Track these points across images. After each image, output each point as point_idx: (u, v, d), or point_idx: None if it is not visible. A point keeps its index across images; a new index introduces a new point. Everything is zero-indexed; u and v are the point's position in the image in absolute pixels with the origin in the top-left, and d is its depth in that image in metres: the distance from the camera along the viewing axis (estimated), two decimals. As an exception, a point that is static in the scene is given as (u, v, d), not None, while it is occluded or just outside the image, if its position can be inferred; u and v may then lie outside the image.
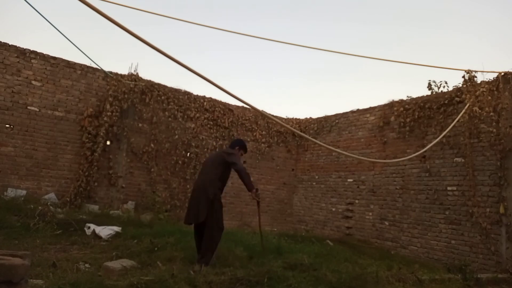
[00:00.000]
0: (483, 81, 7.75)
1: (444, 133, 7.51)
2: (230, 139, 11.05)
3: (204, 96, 10.81)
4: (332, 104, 30.28)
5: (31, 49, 8.30)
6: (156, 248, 5.25)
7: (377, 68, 36.71)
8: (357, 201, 10.15)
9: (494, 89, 7.46)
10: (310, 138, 6.15)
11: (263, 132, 11.72)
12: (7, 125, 7.92)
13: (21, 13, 28.16)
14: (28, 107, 8.18)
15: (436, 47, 27.00)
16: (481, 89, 7.57)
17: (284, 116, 12.35)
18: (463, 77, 8.01)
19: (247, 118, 11.43)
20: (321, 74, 30.42)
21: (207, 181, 4.77)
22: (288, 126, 5.90)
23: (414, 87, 28.44)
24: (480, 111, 7.45)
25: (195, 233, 4.87)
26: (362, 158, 9.49)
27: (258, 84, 30.32)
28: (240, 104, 9.54)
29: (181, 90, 10.37)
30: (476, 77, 7.90)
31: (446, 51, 26.79)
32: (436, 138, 7.67)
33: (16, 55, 8.09)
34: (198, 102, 10.56)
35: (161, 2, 27.85)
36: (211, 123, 10.74)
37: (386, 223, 9.24)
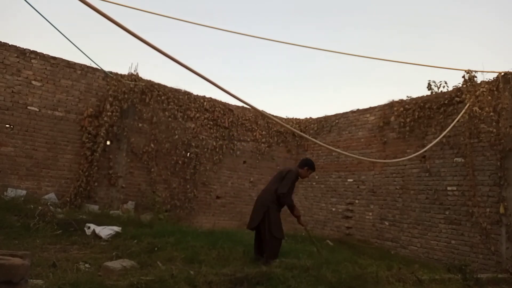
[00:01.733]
0: (483, 81, 7.74)
1: (444, 133, 7.50)
2: (230, 139, 11.06)
3: (204, 96, 10.80)
4: (332, 104, 30.29)
5: (31, 49, 8.30)
6: (156, 248, 5.25)
7: (378, 69, 36.70)
8: (357, 201, 10.14)
9: (494, 89, 7.45)
10: (310, 138, 6.14)
11: (263, 132, 11.71)
12: (7, 125, 7.92)
13: (20, 13, 28.17)
14: (28, 107, 8.17)
15: (436, 49, 27.00)
16: (481, 89, 7.56)
17: (284, 116, 12.35)
18: (463, 77, 8.00)
19: (247, 118, 11.42)
20: (322, 74, 30.43)
21: (266, 193, 5.27)
22: (288, 126, 5.89)
23: (414, 89, 28.44)
24: (480, 111, 7.44)
25: (255, 237, 5.30)
26: (362, 158, 9.48)
27: (258, 84, 30.33)
28: (240, 104, 9.55)
29: (181, 90, 10.36)
30: (476, 77, 7.89)
31: (446, 54, 26.80)
32: (436, 138, 7.66)
33: (16, 55, 8.08)
34: (198, 102, 10.56)
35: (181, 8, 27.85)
36: (211, 123, 10.74)
37: (386, 223, 9.24)
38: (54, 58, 8.57)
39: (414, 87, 27.62)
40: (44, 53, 8.46)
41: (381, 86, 28.09)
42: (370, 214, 9.69)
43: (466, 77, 7.95)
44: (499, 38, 27.73)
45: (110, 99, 8.96)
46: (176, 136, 10.01)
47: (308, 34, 29.53)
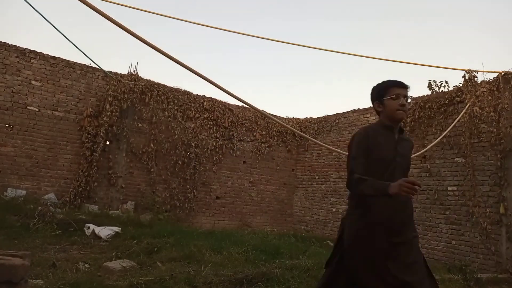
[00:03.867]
0: (484, 81, 7.74)
1: (444, 133, 7.50)
2: (230, 139, 11.03)
3: (204, 96, 10.79)
4: (332, 104, 30.30)
5: (31, 49, 8.29)
6: (155, 248, 5.25)
7: (378, 67, 36.72)
8: (357, 201, 10.11)
9: (495, 89, 7.45)
10: (310, 138, 6.15)
11: (263, 132, 11.70)
12: (7, 125, 7.91)
13: (19, 12, 28.15)
14: (28, 107, 8.16)
15: (436, 49, 27.01)
16: (482, 89, 7.56)
17: (284, 116, 12.33)
18: (464, 77, 7.99)
19: (247, 118, 11.41)
20: (322, 73, 30.44)
21: None
22: (288, 126, 5.90)
23: (415, 87, 28.38)
24: (480, 111, 7.44)
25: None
26: (362, 158, 9.45)
27: (258, 84, 30.33)
28: (240, 104, 9.52)
29: (181, 90, 10.34)
30: (476, 77, 7.88)
31: (447, 53, 26.80)
32: (437, 138, 7.65)
33: (16, 55, 8.08)
34: (198, 102, 10.54)
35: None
36: (211, 123, 10.72)
37: (386, 223, 9.21)
38: (54, 58, 8.56)
39: (415, 87, 27.61)
40: (44, 53, 8.46)
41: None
42: (370, 214, 9.66)
43: (467, 77, 7.94)
44: (499, 38, 27.76)
45: (110, 99, 8.95)
46: (176, 136, 9.98)
47: (308, 34, 29.54)
